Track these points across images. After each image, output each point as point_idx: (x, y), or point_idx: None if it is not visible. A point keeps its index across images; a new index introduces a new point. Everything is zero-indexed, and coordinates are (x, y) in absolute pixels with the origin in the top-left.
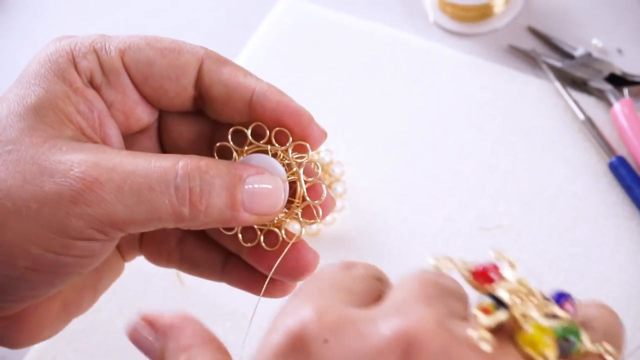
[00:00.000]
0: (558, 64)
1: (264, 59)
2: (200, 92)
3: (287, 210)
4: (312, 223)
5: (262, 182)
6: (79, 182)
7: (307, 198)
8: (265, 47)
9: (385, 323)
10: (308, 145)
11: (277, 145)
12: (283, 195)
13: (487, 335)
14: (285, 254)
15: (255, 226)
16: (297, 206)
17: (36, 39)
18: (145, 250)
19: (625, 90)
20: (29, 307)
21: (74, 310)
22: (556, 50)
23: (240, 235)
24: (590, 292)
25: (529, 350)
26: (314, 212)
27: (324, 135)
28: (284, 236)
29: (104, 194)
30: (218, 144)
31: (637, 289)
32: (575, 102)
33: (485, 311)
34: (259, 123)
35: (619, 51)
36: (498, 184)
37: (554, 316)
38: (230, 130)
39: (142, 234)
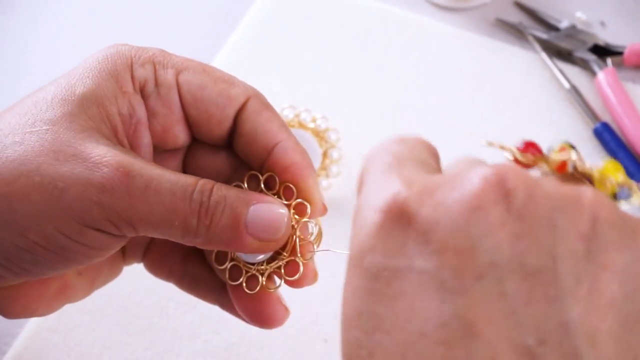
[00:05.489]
0: (544, 36)
1: (260, 33)
2: (234, 125)
3: (275, 260)
4: (293, 280)
5: (267, 209)
6: (111, 171)
7: (298, 255)
8: (261, 21)
9: (472, 173)
10: (309, 207)
11: (283, 199)
12: (285, 226)
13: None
14: (260, 301)
15: (242, 267)
16: (284, 258)
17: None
18: (148, 259)
19: (609, 60)
20: (27, 282)
21: (71, 295)
22: (542, 23)
23: (227, 272)
24: None
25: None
26: (299, 266)
27: (324, 210)
28: (264, 282)
29: (131, 188)
30: (234, 184)
31: None
32: (561, 71)
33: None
34: (272, 174)
35: (602, 23)
36: (488, 151)
37: None
38: (247, 174)
39: (151, 243)
